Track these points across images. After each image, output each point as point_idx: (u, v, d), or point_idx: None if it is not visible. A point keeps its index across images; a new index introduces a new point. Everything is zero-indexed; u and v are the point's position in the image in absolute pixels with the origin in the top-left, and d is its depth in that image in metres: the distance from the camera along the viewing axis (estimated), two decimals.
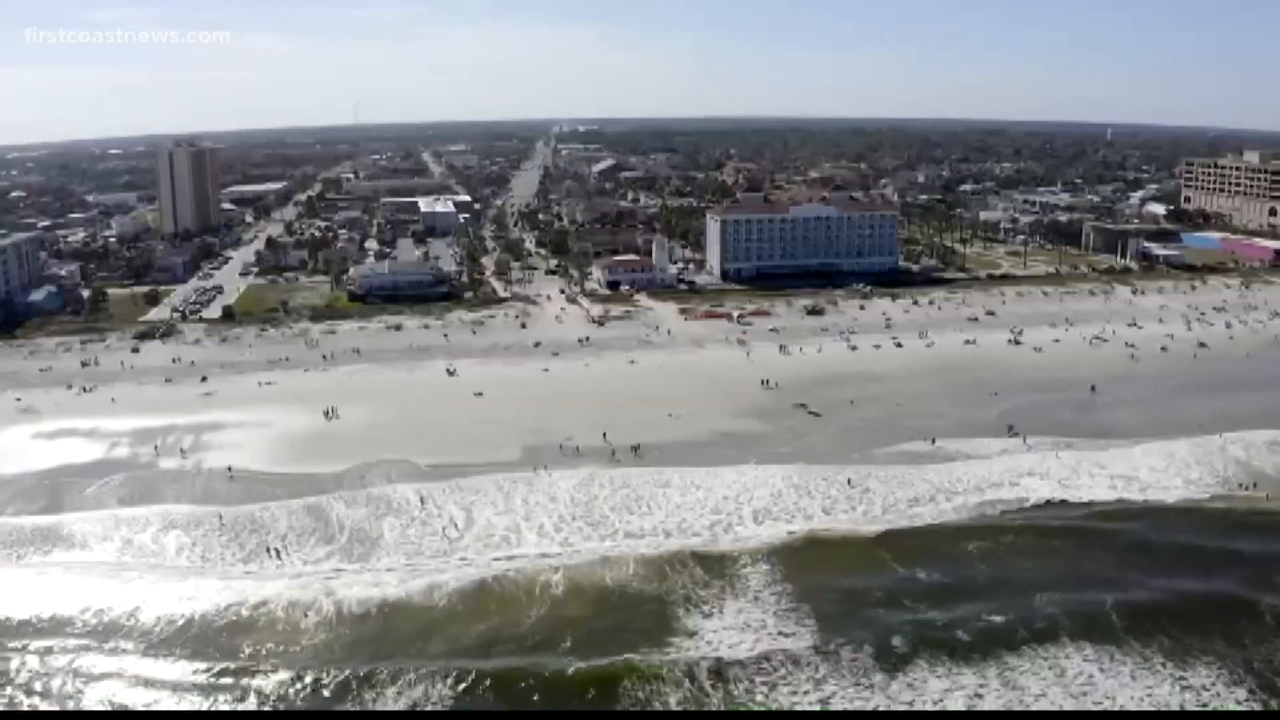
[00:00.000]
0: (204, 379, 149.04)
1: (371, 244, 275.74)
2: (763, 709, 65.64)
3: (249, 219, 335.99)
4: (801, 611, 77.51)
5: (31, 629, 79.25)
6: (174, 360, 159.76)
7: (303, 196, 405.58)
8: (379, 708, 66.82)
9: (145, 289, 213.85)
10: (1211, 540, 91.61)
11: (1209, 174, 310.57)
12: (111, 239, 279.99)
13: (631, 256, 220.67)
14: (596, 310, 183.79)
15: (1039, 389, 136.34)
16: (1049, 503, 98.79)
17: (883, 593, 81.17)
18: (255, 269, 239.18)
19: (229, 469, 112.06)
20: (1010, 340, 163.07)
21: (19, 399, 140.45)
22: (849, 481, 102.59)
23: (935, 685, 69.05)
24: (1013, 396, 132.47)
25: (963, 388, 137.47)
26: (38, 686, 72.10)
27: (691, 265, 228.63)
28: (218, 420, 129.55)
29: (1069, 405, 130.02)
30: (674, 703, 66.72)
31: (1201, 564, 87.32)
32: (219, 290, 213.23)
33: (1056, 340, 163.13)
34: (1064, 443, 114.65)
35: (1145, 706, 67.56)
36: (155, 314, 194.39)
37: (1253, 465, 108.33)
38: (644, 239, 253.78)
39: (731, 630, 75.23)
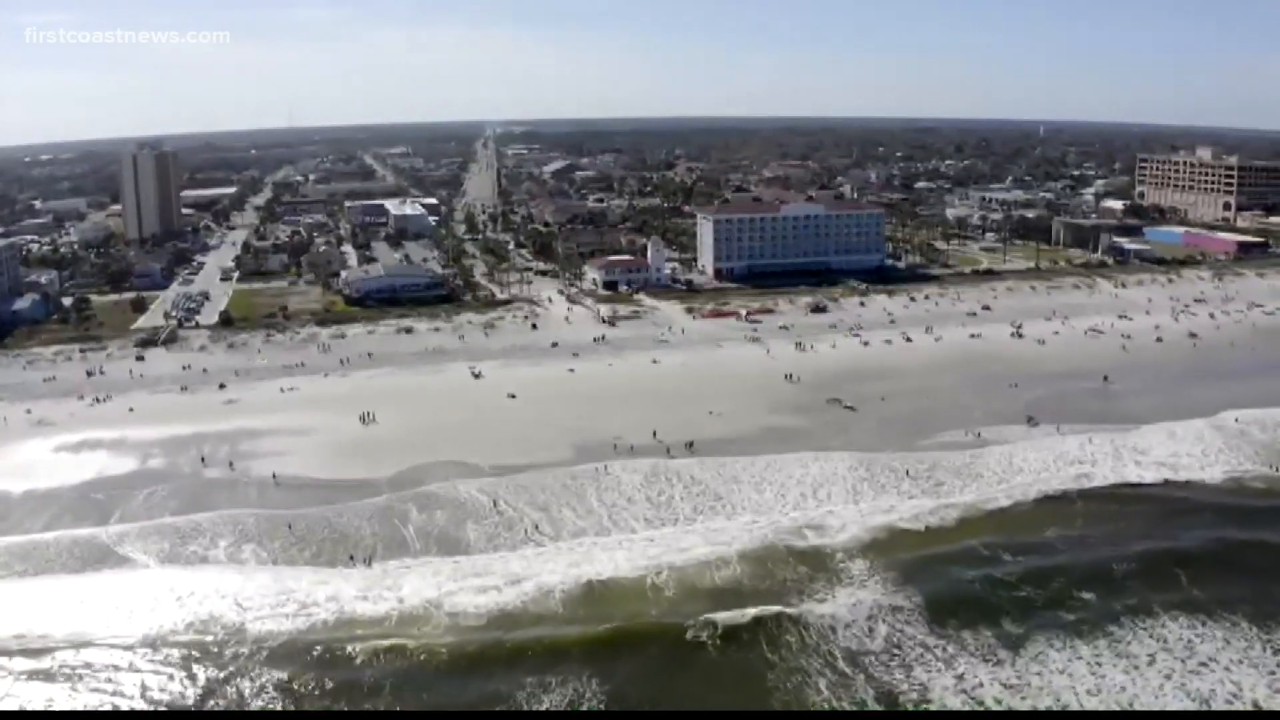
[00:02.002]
0: (222, 386, 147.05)
1: (346, 248, 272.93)
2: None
3: (209, 224, 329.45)
4: (910, 598, 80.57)
5: (134, 642, 77.85)
6: (184, 368, 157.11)
7: (257, 201, 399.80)
8: (540, 707, 67.75)
9: (126, 296, 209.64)
10: (1264, 512, 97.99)
11: (1163, 170, 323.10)
12: (75, 245, 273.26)
13: (626, 256, 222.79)
14: (605, 310, 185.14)
15: (1054, 380, 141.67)
16: (1106, 484, 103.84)
17: (978, 577, 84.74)
18: (236, 274, 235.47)
19: (274, 476, 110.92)
20: (1012, 334, 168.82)
21: (29, 410, 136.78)
22: (908, 472, 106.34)
23: (1057, 658, 72.81)
24: (1032, 388, 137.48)
25: (982, 380, 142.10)
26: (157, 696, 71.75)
27: (677, 265, 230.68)
28: (249, 427, 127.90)
29: (1087, 394, 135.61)
30: (824, 686, 69.21)
31: (1262, 534, 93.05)
32: (205, 296, 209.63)
33: (1056, 333, 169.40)
34: (1096, 429, 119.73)
35: (1244, 665, 72.17)
36: (145, 321, 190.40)
37: (1278, 446, 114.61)
38: (627, 239, 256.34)
39: (850, 615, 78.00)
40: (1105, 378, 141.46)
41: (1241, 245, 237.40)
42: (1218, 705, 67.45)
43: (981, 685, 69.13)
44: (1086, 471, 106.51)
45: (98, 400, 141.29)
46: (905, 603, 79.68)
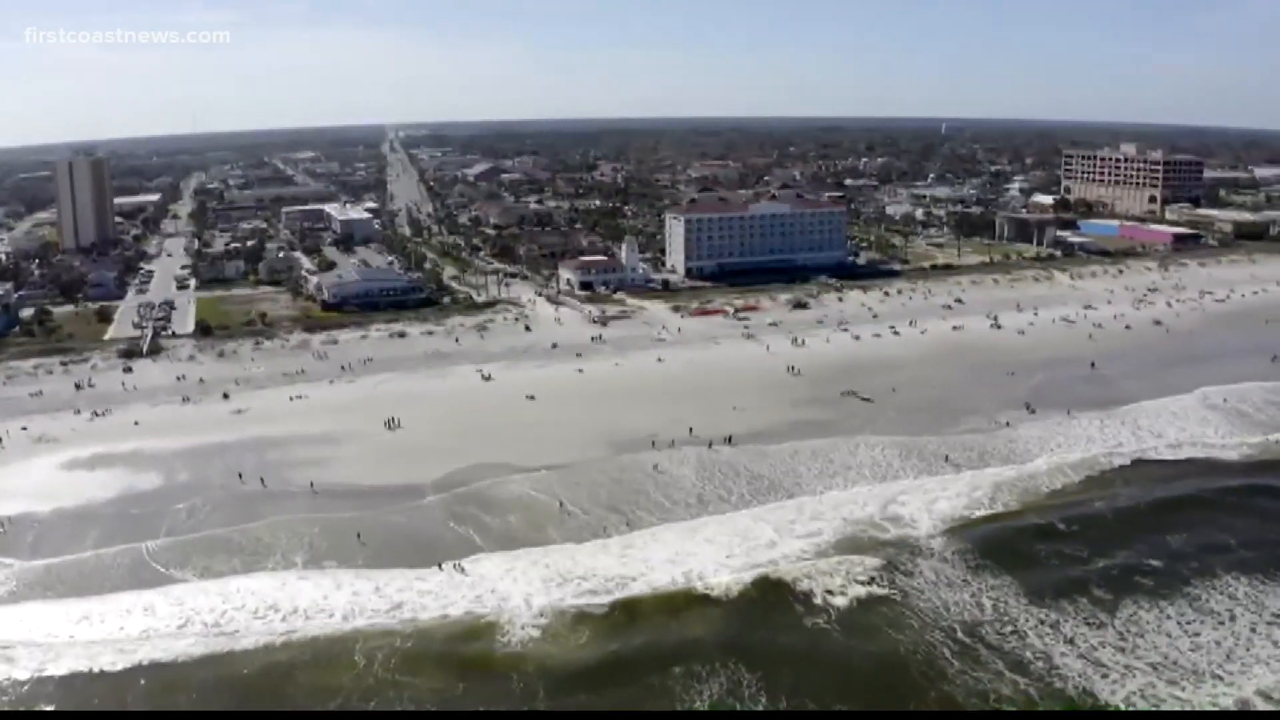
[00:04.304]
0: (226, 396, 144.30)
1: (297, 253, 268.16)
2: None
3: (140, 232, 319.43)
4: (1001, 573, 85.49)
5: (264, 651, 77.37)
6: (178, 378, 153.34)
7: (180, 208, 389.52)
8: (698, 702, 69.55)
9: (83, 306, 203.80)
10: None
11: (1089, 165, 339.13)
12: (11, 255, 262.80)
13: (601, 257, 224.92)
14: (595, 311, 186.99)
15: (1045, 367, 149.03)
16: (1136, 460, 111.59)
17: (1054, 551, 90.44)
18: (192, 281, 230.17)
19: (311, 485, 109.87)
20: (991, 325, 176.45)
21: (25, 427, 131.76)
22: (947, 457, 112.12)
23: (1149, 619, 78.52)
24: (1028, 376, 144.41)
25: (979, 370, 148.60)
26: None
27: (645, 264, 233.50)
28: (268, 437, 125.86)
29: (1080, 380, 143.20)
30: (950, 655, 73.35)
31: None
32: (171, 305, 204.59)
33: (1031, 323, 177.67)
34: (1105, 412, 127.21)
35: None
36: (114, 331, 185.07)
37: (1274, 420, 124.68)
38: (587, 240, 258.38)
39: (953, 593, 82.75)
40: (1093, 364, 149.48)
41: (1177, 237, 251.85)
42: None
43: (1095, 648, 74.13)
44: (1114, 449, 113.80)
45: (96, 414, 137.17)
46: (998, 578, 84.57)
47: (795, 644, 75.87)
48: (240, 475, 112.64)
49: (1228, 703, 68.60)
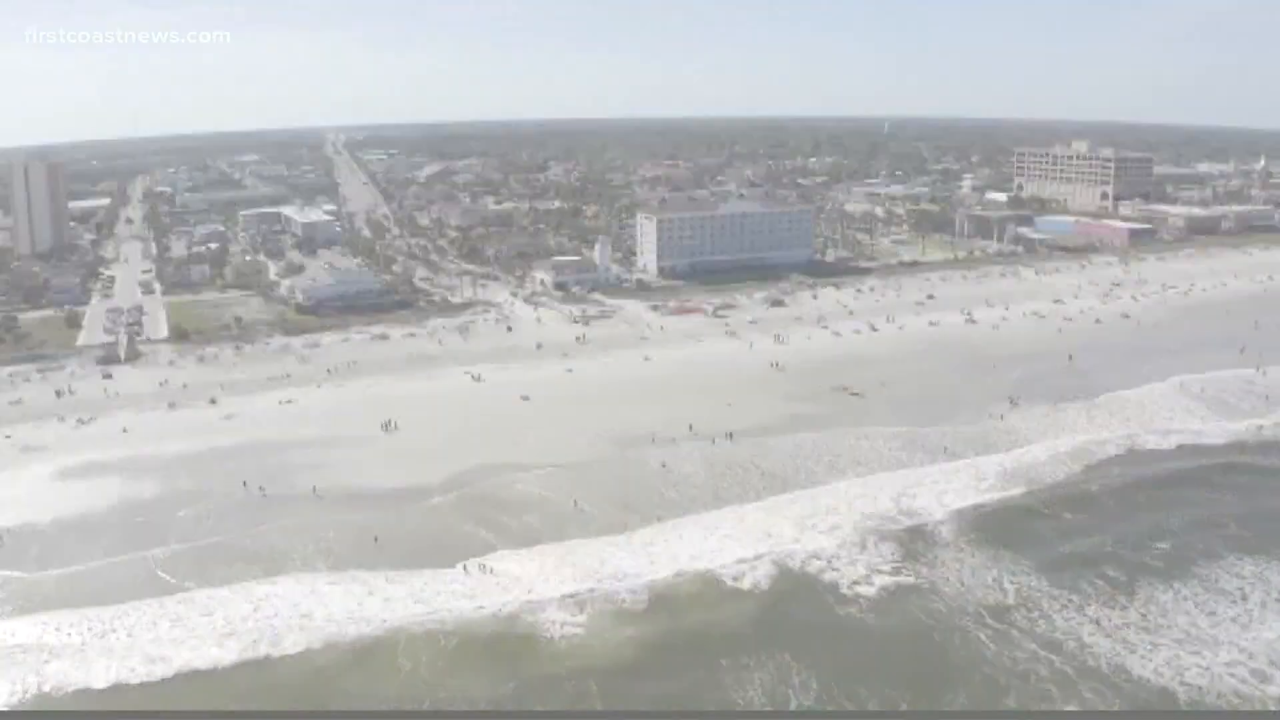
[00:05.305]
0: (213, 401, 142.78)
1: (260, 257, 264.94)
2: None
3: (94, 236, 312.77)
4: (1019, 558, 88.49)
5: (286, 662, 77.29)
6: (161, 384, 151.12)
7: (129, 213, 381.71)
8: (748, 689, 70.88)
9: (50, 312, 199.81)
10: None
11: (1040, 162, 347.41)
12: None
13: (574, 257, 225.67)
14: (575, 311, 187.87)
15: (1024, 360, 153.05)
16: (1129, 448, 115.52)
17: (1063, 537, 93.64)
18: (156, 286, 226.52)
19: (314, 489, 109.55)
20: (965, 320, 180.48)
21: (8, 436, 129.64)
22: (945, 449, 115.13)
23: (1166, 600, 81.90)
24: (1009, 369, 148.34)
25: (961, 364, 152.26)
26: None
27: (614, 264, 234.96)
28: (264, 441, 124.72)
29: (1059, 372, 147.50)
30: (986, 639, 75.83)
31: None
32: (140, 310, 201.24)
33: (1004, 318, 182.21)
34: (1089, 402, 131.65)
35: None
36: (86, 338, 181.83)
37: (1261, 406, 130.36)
38: (554, 240, 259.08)
39: (974, 577, 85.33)
40: (1070, 357, 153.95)
41: (1132, 232, 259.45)
42: None
43: (1119, 628, 77.14)
44: (1106, 438, 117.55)
45: (81, 422, 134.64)
46: (1016, 563, 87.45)
47: (835, 633, 77.64)
48: (244, 482, 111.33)
49: (1244, 672, 71.84)
